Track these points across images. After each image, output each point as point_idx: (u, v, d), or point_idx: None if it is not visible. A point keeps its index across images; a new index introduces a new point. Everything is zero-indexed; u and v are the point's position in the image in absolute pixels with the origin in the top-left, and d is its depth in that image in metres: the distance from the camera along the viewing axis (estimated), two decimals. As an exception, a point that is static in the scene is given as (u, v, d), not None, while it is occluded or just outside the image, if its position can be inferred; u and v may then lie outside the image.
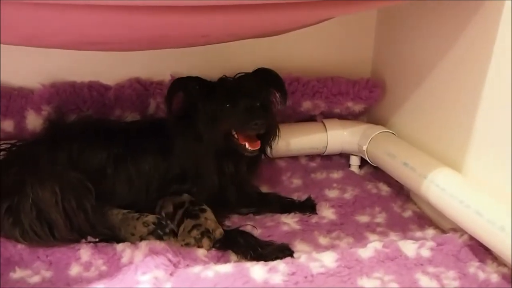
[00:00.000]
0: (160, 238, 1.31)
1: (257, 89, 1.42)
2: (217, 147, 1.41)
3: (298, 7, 1.08)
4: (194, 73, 1.71)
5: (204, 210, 1.37)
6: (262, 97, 1.42)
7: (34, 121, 1.56)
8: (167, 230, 1.31)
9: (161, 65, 1.69)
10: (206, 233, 1.32)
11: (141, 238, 1.30)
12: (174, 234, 1.33)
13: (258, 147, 1.38)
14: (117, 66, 1.66)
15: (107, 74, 1.66)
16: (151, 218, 1.34)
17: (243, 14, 1.05)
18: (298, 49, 1.82)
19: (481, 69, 1.31)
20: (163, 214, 1.37)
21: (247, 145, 1.36)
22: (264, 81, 1.46)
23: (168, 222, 1.34)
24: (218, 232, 1.34)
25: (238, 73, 1.47)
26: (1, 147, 1.41)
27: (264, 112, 1.40)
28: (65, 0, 0.89)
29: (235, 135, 1.38)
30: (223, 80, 1.45)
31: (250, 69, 1.76)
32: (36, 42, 1.25)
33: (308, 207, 1.54)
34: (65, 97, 1.59)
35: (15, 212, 1.28)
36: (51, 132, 1.46)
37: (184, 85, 1.43)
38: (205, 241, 1.31)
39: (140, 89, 1.66)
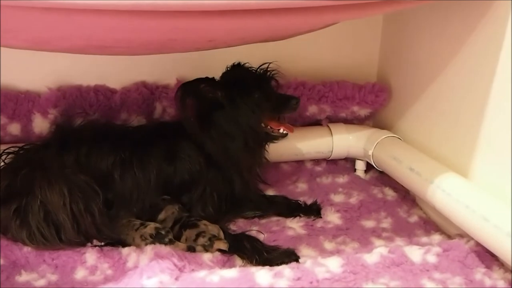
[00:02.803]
0: None
1: (261, 75, 1.49)
2: (251, 140, 1.44)
3: (305, 12, 1.08)
4: (200, 76, 1.72)
5: (199, 219, 1.37)
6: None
7: (40, 125, 1.57)
8: (166, 240, 1.30)
9: (167, 69, 1.69)
10: (214, 238, 1.31)
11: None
12: (173, 243, 1.31)
13: (293, 130, 1.47)
14: (123, 70, 1.67)
15: (113, 78, 1.66)
16: (149, 229, 1.32)
17: (250, 19, 1.05)
18: (304, 53, 1.82)
19: (488, 73, 1.31)
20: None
21: (282, 129, 1.45)
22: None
23: (168, 230, 1.33)
24: (222, 236, 1.33)
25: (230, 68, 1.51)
26: (9, 151, 1.41)
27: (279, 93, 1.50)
28: (74, 1, 0.89)
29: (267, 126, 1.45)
30: (230, 74, 1.49)
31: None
32: (45, 46, 1.26)
33: (313, 210, 1.54)
34: (72, 100, 1.60)
35: (23, 213, 1.28)
36: (59, 135, 1.47)
37: (194, 89, 1.43)
38: (218, 243, 1.30)
39: (146, 93, 1.67)
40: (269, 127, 1.46)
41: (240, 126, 1.42)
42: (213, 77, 1.47)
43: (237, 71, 1.50)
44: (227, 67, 1.51)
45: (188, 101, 1.42)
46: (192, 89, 1.43)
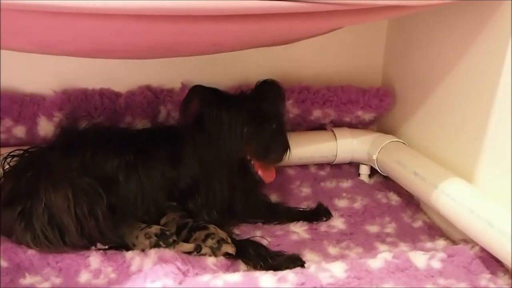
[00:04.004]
0: None
1: (274, 109, 1.41)
2: (225, 164, 1.40)
3: (309, 17, 1.08)
4: (205, 81, 1.71)
5: (208, 223, 1.37)
6: (278, 117, 1.42)
7: (45, 127, 1.58)
8: (170, 240, 1.30)
9: (172, 73, 1.70)
10: (222, 241, 1.31)
11: (142, 251, 1.29)
12: (177, 243, 1.31)
13: (272, 179, 1.39)
14: (128, 73, 1.67)
15: (118, 81, 1.67)
16: (154, 229, 1.32)
17: (254, 23, 1.05)
18: (309, 58, 1.82)
19: (494, 78, 1.30)
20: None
21: (260, 173, 1.38)
22: (271, 95, 1.43)
23: (173, 233, 1.33)
24: (230, 241, 1.33)
25: (250, 89, 1.46)
26: (14, 153, 1.42)
27: (281, 138, 1.39)
28: (80, 2, 0.89)
29: (251, 161, 1.39)
30: (243, 96, 1.45)
31: (260, 77, 1.77)
32: (51, 49, 1.26)
33: (322, 212, 1.54)
34: (77, 103, 1.60)
35: (27, 216, 1.28)
36: (64, 138, 1.47)
37: (202, 94, 1.41)
38: (226, 247, 1.30)
39: (151, 96, 1.67)
40: (252, 162, 1.39)
41: (214, 145, 1.39)
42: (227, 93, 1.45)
43: (262, 89, 1.44)
44: (258, 82, 1.46)
45: (193, 102, 1.41)
46: (200, 93, 1.41)
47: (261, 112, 1.39)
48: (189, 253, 1.30)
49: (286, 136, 1.43)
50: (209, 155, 1.41)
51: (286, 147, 1.40)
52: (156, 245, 1.29)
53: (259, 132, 1.37)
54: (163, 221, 1.39)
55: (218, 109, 1.39)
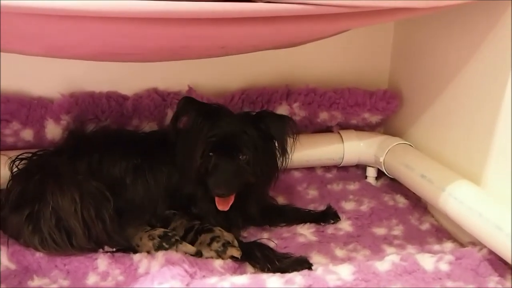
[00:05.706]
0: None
1: (248, 140, 1.32)
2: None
3: (316, 20, 1.08)
4: (211, 83, 1.73)
5: (214, 226, 1.37)
6: (252, 149, 1.32)
7: (53, 131, 1.58)
8: (173, 240, 1.30)
9: (179, 76, 1.70)
10: (228, 244, 1.31)
11: (147, 252, 1.30)
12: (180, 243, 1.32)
13: (226, 209, 1.32)
14: (135, 76, 1.68)
15: (125, 84, 1.67)
16: (158, 231, 1.33)
17: (261, 26, 1.06)
18: (315, 60, 1.82)
19: (501, 80, 1.30)
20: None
21: (216, 201, 1.32)
22: (265, 127, 1.35)
23: (175, 234, 1.33)
24: (236, 244, 1.33)
25: (242, 112, 1.44)
26: (22, 156, 1.43)
27: (239, 175, 1.31)
28: (86, 4, 0.90)
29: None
30: (221, 117, 1.35)
31: (265, 79, 1.77)
32: (59, 53, 1.27)
33: (331, 215, 1.53)
34: (84, 106, 1.61)
35: (35, 219, 1.29)
36: (71, 141, 1.48)
37: (189, 108, 1.38)
38: (231, 250, 1.29)
39: (158, 99, 1.67)
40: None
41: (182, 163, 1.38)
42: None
43: (264, 117, 1.36)
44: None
45: (184, 116, 1.39)
46: (187, 108, 1.38)
47: (227, 142, 1.31)
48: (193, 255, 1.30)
49: (255, 169, 1.33)
50: (181, 166, 1.40)
51: (235, 186, 1.31)
52: (159, 247, 1.30)
53: (216, 161, 1.31)
54: (172, 225, 1.40)
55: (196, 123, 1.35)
